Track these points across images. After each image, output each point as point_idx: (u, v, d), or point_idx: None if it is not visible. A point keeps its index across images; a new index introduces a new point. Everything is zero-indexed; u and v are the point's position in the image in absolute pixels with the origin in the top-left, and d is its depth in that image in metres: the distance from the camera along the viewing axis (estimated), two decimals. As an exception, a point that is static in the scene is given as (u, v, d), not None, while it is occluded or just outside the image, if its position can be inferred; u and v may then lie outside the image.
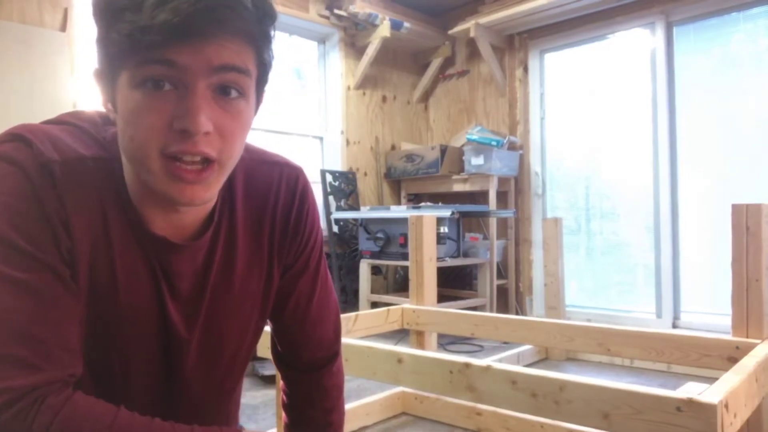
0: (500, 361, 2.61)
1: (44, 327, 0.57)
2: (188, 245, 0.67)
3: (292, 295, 0.79)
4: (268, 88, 0.65)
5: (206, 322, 0.72)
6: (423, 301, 2.17)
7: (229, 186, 0.70)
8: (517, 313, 3.84)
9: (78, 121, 0.66)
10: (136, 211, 0.63)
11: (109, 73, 0.58)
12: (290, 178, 0.76)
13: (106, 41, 0.56)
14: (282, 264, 0.77)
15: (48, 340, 0.57)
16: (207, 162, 0.57)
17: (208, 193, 0.59)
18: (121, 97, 0.57)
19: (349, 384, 2.45)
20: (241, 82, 0.58)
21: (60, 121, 0.66)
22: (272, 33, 0.61)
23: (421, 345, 2.19)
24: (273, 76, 0.65)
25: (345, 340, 1.51)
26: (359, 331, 1.98)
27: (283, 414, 0.89)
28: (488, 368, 1.24)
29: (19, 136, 0.59)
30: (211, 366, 0.76)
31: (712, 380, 1.18)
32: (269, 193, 0.74)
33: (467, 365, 1.26)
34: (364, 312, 2.05)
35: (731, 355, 1.52)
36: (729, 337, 1.58)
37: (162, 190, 0.57)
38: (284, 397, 0.89)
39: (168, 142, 0.55)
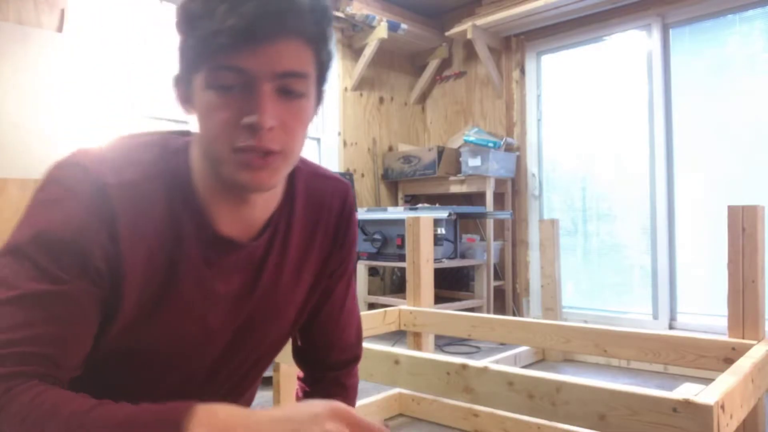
0: (497, 362, 2.61)
1: (48, 331, 0.58)
2: (248, 245, 0.72)
3: (329, 300, 0.86)
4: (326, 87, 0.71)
5: (246, 323, 0.75)
6: (420, 303, 2.17)
7: (290, 192, 0.76)
8: (513, 315, 3.84)
9: (142, 138, 0.71)
10: (205, 213, 0.69)
11: (186, 77, 0.65)
12: (342, 192, 0.84)
13: (185, 47, 0.64)
14: (329, 271, 0.83)
15: (47, 343, 0.58)
16: (269, 154, 0.63)
17: (273, 179, 0.65)
18: (197, 97, 0.64)
19: (346, 385, 2.45)
20: (301, 84, 0.64)
21: (123, 142, 0.70)
22: (330, 33, 0.66)
23: (418, 346, 2.19)
24: (331, 74, 0.71)
25: (342, 341, 1.51)
26: (356, 333, 1.98)
27: None
28: (485, 369, 1.24)
29: (75, 162, 0.64)
30: (234, 365, 0.78)
31: (708, 381, 1.18)
32: (324, 204, 0.81)
33: (464, 366, 1.26)
34: (362, 313, 2.04)
35: (727, 356, 1.52)
36: (725, 338, 1.58)
37: (233, 177, 0.63)
38: (300, 394, 0.92)
39: (237, 138, 0.61)
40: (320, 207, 0.80)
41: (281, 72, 0.61)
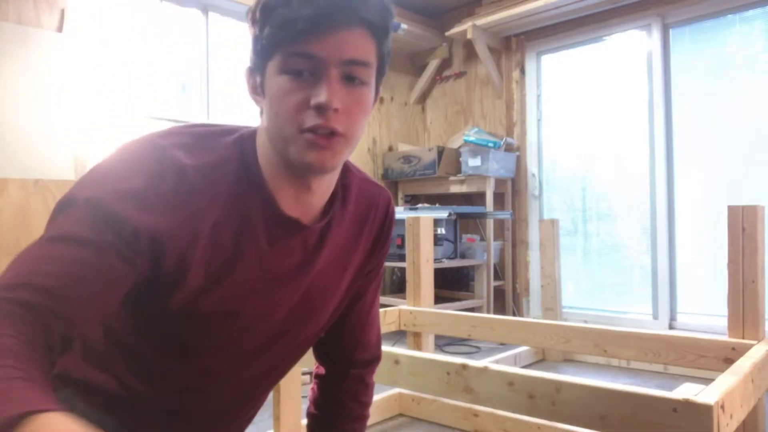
0: (497, 362, 2.61)
1: (70, 285, 0.59)
2: (310, 226, 0.76)
3: (361, 299, 0.92)
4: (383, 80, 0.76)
5: (300, 303, 0.79)
6: (420, 303, 2.17)
7: (344, 188, 0.82)
8: (513, 315, 3.84)
9: (210, 127, 0.76)
10: (271, 194, 0.73)
11: (260, 64, 0.70)
12: (387, 200, 0.91)
13: (260, 36, 0.68)
14: (366, 270, 0.89)
15: (64, 295, 0.59)
16: (333, 135, 0.67)
17: (335, 160, 0.69)
18: (270, 82, 0.69)
19: (346, 385, 2.45)
20: (364, 72, 0.69)
21: (190, 127, 0.75)
22: (391, 28, 0.71)
23: (418, 346, 2.19)
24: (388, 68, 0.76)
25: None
26: (356, 333, 1.98)
27: (311, 407, 0.98)
28: (485, 369, 1.24)
29: (150, 141, 0.69)
30: (276, 350, 0.81)
31: (708, 381, 1.18)
32: (372, 206, 0.87)
33: (464, 366, 1.26)
34: (361, 313, 2.05)
35: (727, 356, 1.52)
36: (725, 338, 1.58)
37: (299, 156, 0.68)
38: (318, 391, 0.98)
39: (305, 119, 0.66)
40: (368, 208, 0.86)
41: (347, 59, 0.66)
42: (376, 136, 4.17)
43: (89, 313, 0.61)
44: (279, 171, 0.73)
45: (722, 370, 1.55)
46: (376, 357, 0.98)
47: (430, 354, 1.37)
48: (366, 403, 0.98)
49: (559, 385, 1.14)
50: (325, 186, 0.76)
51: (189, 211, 0.67)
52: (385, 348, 1.42)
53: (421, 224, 2.19)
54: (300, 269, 0.77)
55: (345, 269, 0.84)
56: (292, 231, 0.75)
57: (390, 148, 4.24)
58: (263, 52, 0.69)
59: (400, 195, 4.18)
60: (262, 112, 0.73)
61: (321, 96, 0.65)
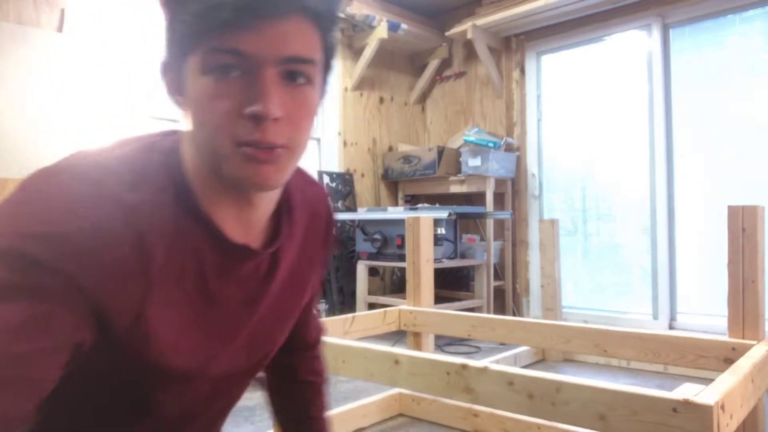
0: (497, 362, 2.61)
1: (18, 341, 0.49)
2: (261, 252, 0.67)
3: (312, 293, 0.88)
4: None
5: (259, 328, 0.73)
6: (420, 303, 2.17)
7: (287, 194, 0.73)
8: (513, 315, 3.84)
9: (134, 145, 0.64)
10: (212, 220, 0.63)
11: (177, 61, 0.58)
12: (325, 197, 0.84)
13: (174, 26, 0.56)
14: (318, 272, 0.84)
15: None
16: (274, 148, 0.57)
17: (280, 175, 0.59)
18: (190, 84, 0.57)
19: (346, 385, 2.45)
20: (309, 69, 0.58)
21: (113, 151, 0.63)
22: (338, 15, 0.62)
23: (418, 346, 2.19)
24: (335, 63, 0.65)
25: (342, 341, 1.51)
26: (356, 333, 1.98)
27: (271, 398, 0.95)
28: (485, 369, 1.24)
29: (82, 174, 0.57)
30: (241, 376, 0.75)
31: (708, 381, 1.18)
32: (315, 208, 0.80)
33: (464, 367, 1.26)
34: (362, 313, 2.05)
35: (727, 356, 1.52)
36: (725, 338, 1.58)
37: (236, 172, 0.57)
38: (278, 381, 0.94)
39: (239, 131, 0.55)
40: (313, 214, 0.79)
41: (288, 56, 0.55)
42: (376, 136, 4.17)
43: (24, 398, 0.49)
44: (214, 188, 0.62)
45: (722, 370, 1.55)
46: (322, 330, 0.97)
47: (430, 354, 1.37)
48: (323, 371, 0.97)
49: (559, 385, 1.14)
50: (268, 198, 0.67)
51: (138, 260, 0.57)
52: (385, 348, 1.42)
53: (421, 224, 2.20)
54: (254, 299, 0.70)
55: (300, 286, 0.78)
56: (242, 260, 0.66)
57: (390, 148, 4.24)
58: (179, 45, 0.57)
59: (400, 195, 4.19)
60: (184, 114, 0.61)
61: (257, 104, 0.54)
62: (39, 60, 2.61)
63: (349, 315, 1.98)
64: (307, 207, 0.77)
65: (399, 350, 1.38)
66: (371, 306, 3.53)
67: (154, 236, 0.58)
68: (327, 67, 0.62)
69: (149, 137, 0.66)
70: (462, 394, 1.26)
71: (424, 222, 2.22)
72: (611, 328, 1.75)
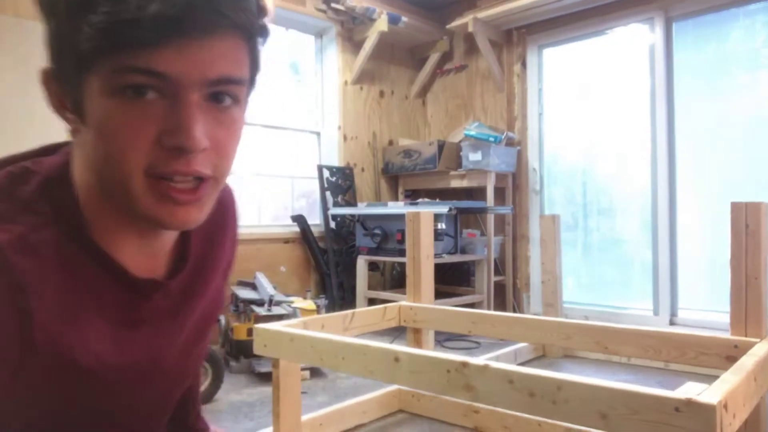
0: (497, 358, 2.61)
1: None
2: (166, 283, 0.61)
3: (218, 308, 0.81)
4: (264, 84, 0.61)
5: (173, 368, 0.66)
6: (420, 299, 2.16)
7: None
8: (514, 310, 3.83)
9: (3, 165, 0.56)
10: (109, 255, 0.55)
11: (73, 76, 0.48)
12: (233, 203, 0.73)
13: (70, 37, 0.46)
14: (223, 284, 0.75)
15: None
16: (200, 179, 0.50)
17: (202, 213, 0.53)
18: (93, 105, 0.48)
19: (346, 381, 2.45)
20: (237, 90, 0.51)
21: None
22: (267, 26, 0.54)
23: (418, 342, 2.18)
24: (261, 78, 0.58)
25: (341, 338, 1.50)
26: (356, 329, 1.97)
27: None
28: (486, 367, 1.23)
29: None
30: (170, 399, 0.70)
31: (709, 378, 1.17)
32: (224, 211, 0.70)
33: (464, 364, 1.25)
34: (361, 309, 2.04)
35: (729, 354, 1.51)
36: (727, 335, 1.57)
37: (148, 213, 0.50)
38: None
39: (155, 162, 0.48)
40: (224, 215, 0.70)
41: (215, 78, 0.48)
42: (376, 130, 4.14)
43: None
44: (113, 216, 0.54)
45: (724, 368, 1.54)
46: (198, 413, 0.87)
47: (430, 352, 1.36)
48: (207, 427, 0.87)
49: (560, 384, 1.13)
50: None
51: (15, 309, 0.48)
52: (385, 345, 1.41)
53: (421, 220, 2.18)
54: (165, 325, 0.63)
55: (208, 310, 0.71)
56: (149, 294, 0.59)
57: (390, 143, 4.22)
58: (75, 59, 0.46)
59: (401, 190, 4.17)
60: (75, 133, 0.53)
61: (180, 133, 0.47)
62: (37, 53, 2.59)
63: (349, 311, 1.97)
64: (218, 206, 0.67)
65: (399, 347, 1.37)
66: (371, 301, 3.52)
67: (34, 280, 0.49)
68: (252, 85, 0.55)
69: (22, 158, 0.57)
70: (462, 392, 1.25)
71: (425, 217, 2.20)
72: (612, 325, 1.73)
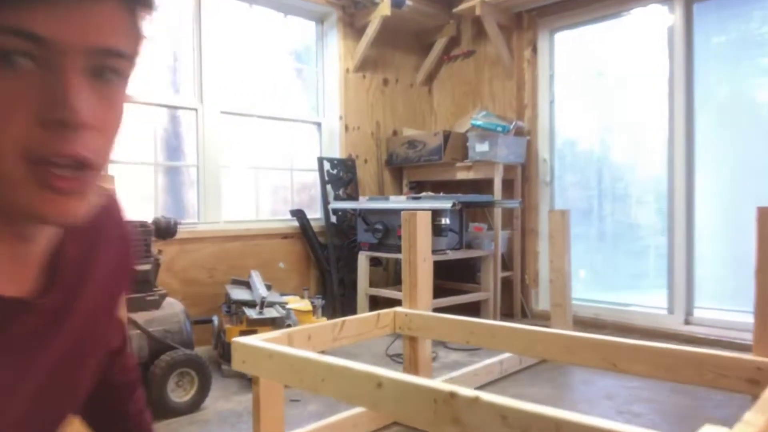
0: (499, 363, 2.48)
1: None
2: (37, 303, 0.51)
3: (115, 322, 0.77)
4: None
5: (56, 379, 0.57)
6: (416, 305, 2.04)
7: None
8: (522, 308, 3.69)
9: None
10: None
11: None
12: (118, 208, 0.66)
13: None
14: (117, 303, 0.68)
15: None
16: (80, 167, 0.44)
17: (84, 207, 0.47)
18: None
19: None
20: (122, 65, 0.47)
21: None
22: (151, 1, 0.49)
23: (414, 350, 2.06)
24: (145, 55, 0.52)
25: (320, 357, 1.37)
26: (346, 339, 1.85)
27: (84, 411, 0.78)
28: (476, 400, 1.10)
29: None
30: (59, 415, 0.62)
31: (729, 399, 1.03)
32: (100, 225, 0.61)
33: (453, 395, 1.12)
34: (352, 317, 1.91)
35: (752, 377, 1.36)
36: (750, 356, 1.42)
37: (26, 204, 0.43)
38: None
39: (32, 142, 0.42)
40: (108, 216, 0.63)
41: (100, 47, 0.43)
42: (379, 119, 3.99)
43: None
44: None
45: (746, 392, 1.39)
46: (124, 342, 0.82)
47: (415, 378, 1.23)
48: (135, 367, 0.83)
49: (559, 423, 0.99)
50: (54, 228, 0.52)
51: None
52: (367, 367, 1.29)
53: (418, 220, 2.04)
54: (41, 347, 0.54)
55: (99, 326, 0.63)
56: (17, 316, 0.49)
57: (394, 133, 4.07)
58: None
59: (405, 182, 4.02)
60: None
61: (60, 105, 0.41)
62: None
63: (338, 320, 1.85)
64: (98, 222, 0.59)
65: (382, 371, 1.25)
66: (372, 299, 3.40)
67: None
68: (135, 63, 0.49)
69: None
70: (449, 427, 1.13)
71: (422, 218, 2.06)
72: (622, 341, 1.59)
